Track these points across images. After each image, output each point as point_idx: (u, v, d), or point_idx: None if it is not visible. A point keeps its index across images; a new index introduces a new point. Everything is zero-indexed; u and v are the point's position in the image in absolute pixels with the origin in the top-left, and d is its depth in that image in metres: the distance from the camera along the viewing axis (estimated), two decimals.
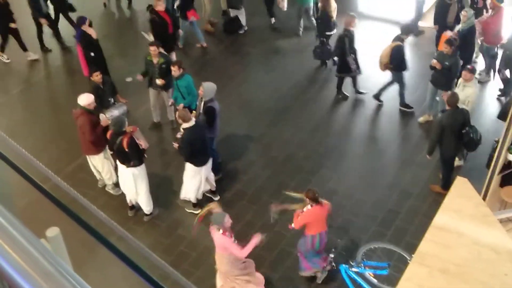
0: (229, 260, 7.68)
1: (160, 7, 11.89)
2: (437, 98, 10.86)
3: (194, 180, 9.31)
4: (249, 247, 7.51)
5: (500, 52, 11.79)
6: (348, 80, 12.04)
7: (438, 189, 9.60)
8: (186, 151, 9.02)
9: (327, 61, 13.07)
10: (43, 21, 13.32)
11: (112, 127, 8.90)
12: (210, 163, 9.35)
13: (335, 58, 12.41)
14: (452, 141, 9.20)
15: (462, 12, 11.30)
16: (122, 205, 9.66)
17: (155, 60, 10.64)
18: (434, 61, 10.46)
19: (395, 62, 10.96)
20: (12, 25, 12.95)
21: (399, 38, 11.11)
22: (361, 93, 12.04)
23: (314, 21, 13.68)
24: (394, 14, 14.16)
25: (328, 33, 12.76)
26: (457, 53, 10.47)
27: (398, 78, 11.38)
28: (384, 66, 11.20)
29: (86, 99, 9.25)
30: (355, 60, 11.66)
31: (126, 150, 8.72)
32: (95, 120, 9.33)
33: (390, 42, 11.25)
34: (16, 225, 1.31)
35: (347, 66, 11.57)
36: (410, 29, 11.54)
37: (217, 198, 9.68)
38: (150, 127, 11.37)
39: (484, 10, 12.22)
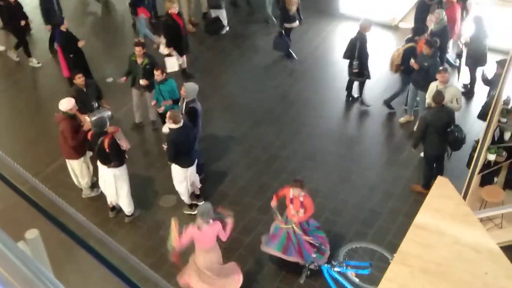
0: (215, 253, 7.86)
1: (173, 10, 11.75)
2: (417, 98, 10.93)
3: (185, 183, 9.29)
4: (228, 230, 7.81)
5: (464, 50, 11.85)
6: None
7: (419, 188, 9.66)
8: (171, 152, 9.02)
9: (291, 54, 13.21)
10: (48, 28, 13.00)
11: (93, 128, 8.82)
12: (195, 164, 9.30)
13: (291, 52, 12.87)
14: (436, 139, 9.25)
15: (435, 13, 11.38)
16: (103, 206, 9.58)
17: (139, 61, 10.57)
18: (412, 61, 10.52)
19: (406, 64, 10.84)
20: (23, 23, 12.90)
21: (411, 40, 11.07)
22: (365, 105, 11.85)
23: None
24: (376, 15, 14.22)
25: (287, 25, 12.93)
26: (437, 54, 10.53)
27: (404, 81, 11.27)
28: (395, 68, 11.15)
29: (66, 104, 9.16)
30: (365, 65, 11.48)
31: (107, 150, 8.66)
32: (76, 125, 9.26)
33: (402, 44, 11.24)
34: None
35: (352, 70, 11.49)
36: (424, 31, 11.40)
37: (201, 202, 9.55)
38: (132, 127, 11.30)
39: (464, 12, 12.31)
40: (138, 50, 10.50)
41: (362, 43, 11.27)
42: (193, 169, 9.27)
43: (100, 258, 1.62)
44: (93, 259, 1.64)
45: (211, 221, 7.61)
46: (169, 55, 12.00)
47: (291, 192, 8.05)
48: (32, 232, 1.78)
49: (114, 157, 8.80)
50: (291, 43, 13.29)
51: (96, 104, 10.19)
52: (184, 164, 9.13)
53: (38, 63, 13.38)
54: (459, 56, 12.10)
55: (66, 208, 1.72)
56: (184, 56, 12.38)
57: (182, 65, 12.38)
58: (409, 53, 10.87)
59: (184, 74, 12.43)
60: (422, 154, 10.16)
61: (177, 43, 11.94)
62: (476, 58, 11.49)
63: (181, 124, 8.79)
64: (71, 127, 9.16)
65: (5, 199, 5.77)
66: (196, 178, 9.51)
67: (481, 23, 11.35)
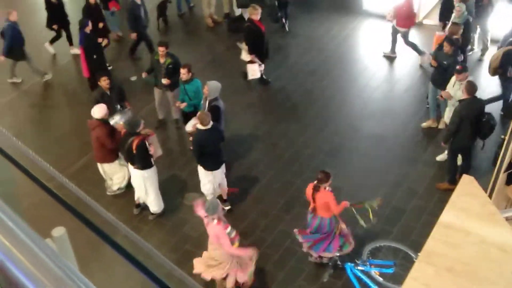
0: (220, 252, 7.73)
1: (256, 16, 11.66)
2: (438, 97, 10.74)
3: (208, 185, 9.22)
4: (238, 250, 7.59)
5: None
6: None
7: (445, 186, 9.54)
8: (196, 153, 9.04)
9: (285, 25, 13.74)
10: (133, 35, 13.01)
11: (126, 126, 8.92)
12: (222, 169, 9.23)
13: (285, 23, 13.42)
14: (469, 131, 9.11)
15: (456, 7, 11.25)
16: (127, 203, 9.67)
17: (162, 60, 10.64)
18: (430, 57, 10.40)
19: (504, 67, 10.62)
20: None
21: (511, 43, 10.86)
22: None
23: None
24: None
25: None
26: (457, 53, 10.36)
27: (504, 85, 11.04)
28: (493, 71, 10.91)
29: (100, 112, 9.29)
30: None
31: (134, 152, 8.73)
32: (111, 128, 9.38)
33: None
34: (22, 225, 1.30)
35: None
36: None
37: (227, 207, 9.50)
38: (157, 125, 11.37)
39: (489, 8, 12.14)
40: (161, 49, 10.56)
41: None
42: (219, 172, 9.16)
43: (126, 255, 1.63)
44: (118, 256, 1.65)
45: (215, 220, 7.45)
46: (251, 62, 11.89)
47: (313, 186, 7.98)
48: (59, 229, 1.79)
49: (139, 159, 8.88)
50: (287, 17, 13.99)
51: (119, 106, 10.27)
52: (209, 167, 9.07)
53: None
54: (405, 37, 12.56)
55: (92, 204, 1.74)
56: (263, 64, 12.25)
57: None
58: (507, 56, 10.58)
59: (261, 81, 12.37)
60: (439, 157, 10.10)
61: (259, 50, 11.82)
62: None
63: (209, 126, 8.75)
64: (107, 131, 9.31)
65: (31, 195, 5.86)
66: (224, 182, 9.41)
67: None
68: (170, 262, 1.70)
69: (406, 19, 12.38)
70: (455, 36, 10.52)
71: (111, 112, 9.80)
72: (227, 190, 9.51)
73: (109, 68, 12.74)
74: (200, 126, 8.79)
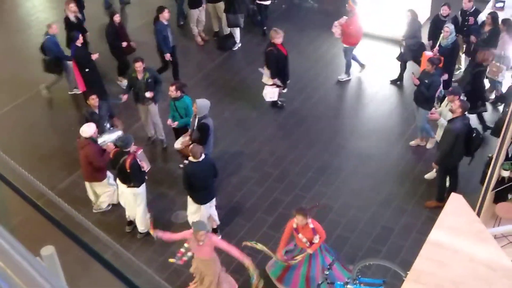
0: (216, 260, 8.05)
1: (278, 39, 11.49)
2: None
3: (196, 216, 9.10)
4: (232, 249, 7.92)
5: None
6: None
7: (434, 204, 9.57)
8: (185, 184, 8.96)
9: (265, 32, 13.96)
10: (167, 56, 12.59)
11: (119, 143, 8.89)
12: (212, 203, 9.12)
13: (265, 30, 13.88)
14: (461, 149, 9.18)
15: (444, 28, 11.36)
16: (115, 221, 9.62)
17: (140, 76, 10.63)
18: (412, 75, 10.55)
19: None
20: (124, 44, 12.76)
21: None
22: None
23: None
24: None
25: (258, 1, 14.00)
26: (438, 72, 10.47)
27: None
28: None
29: (89, 130, 9.29)
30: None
31: (128, 171, 8.71)
32: (100, 147, 9.35)
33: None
34: (14, 243, 1.29)
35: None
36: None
37: (219, 236, 9.41)
38: (146, 143, 11.33)
39: (474, 27, 12.25)
40: (138, 65, 10.57)
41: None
42: (206, 207, 9.01)
43: (115, 272, 1.62)
44: (108, 273, 1.64)
45: (209, 234, 7.82)
46: (273, 85, 11.80)
47: (295, 222, 7.94)
48: (47, 249, 1.77)
49: (135, 177, 8.87)
50: (267, 20, 14.44)
51: (108, 125, 10.24)
52: (195, 199, 8.97)
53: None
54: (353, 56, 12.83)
55: (82, 222, 1.73)
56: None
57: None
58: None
59: (274, 104, 12.31)
60: (427, 176, 10.23)
61: (282, 74, 11.73)
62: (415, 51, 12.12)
63: (200, 159, 8.64)
64: (96, 150, 9.30)
65: (20, 213, 5.81)
66: (214, 214, 9.29)
67: (415, 20, 12.00)
68: (160, 280, 1.69)
69: (351, 37, 12.48)
70: (485, 63, 10.63)
71: (100, 131, 9.77)
72: (218, 223, 9.45)
73: (119, 82, 12.75)
74: (191, 159, 8.70)
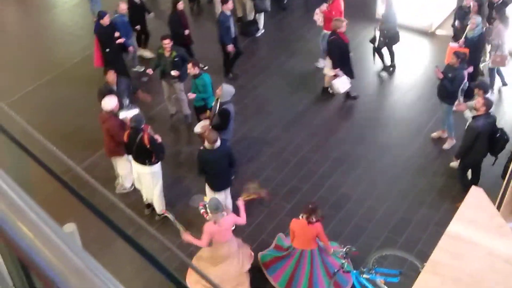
0: (233, 242, 8.07)
1: (342, 28, 11.24)
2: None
3: (209, 195, 9.15)
4: (242, 213, 8.03)
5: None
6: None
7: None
8: (198, 169, 8.98)
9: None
10: (230, 47, 12.38)
11: (133, 123, 8.89)
12: (225, 192, 9.05)
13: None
14: (483, 147, 9.08)
15: (471, 20, 11.23)
16: (134, 203, 9.67)
17: (167, 54, 10.69)
18: (436, 68, 10.33)
19: None
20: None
21: None
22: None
23: None
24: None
25: None
26: (463, 66, 10.29)
27: None
28: None
29: (110, 103, 9.25)
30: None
31: (148, 146, 8.73)
32: (122, 121, 9.38)
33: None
34: (44, 217, 1.31)
35: None
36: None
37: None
38: (167, 124, 11.45)
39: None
40: (166, 42, 10.61)
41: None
42: (222, 195, 8.96)
43: (137, 247, 1.64)
44: (125, 254, 1.67)
45: (224, 213, 7.76)
46: (335, 76, 11.57)
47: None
48: (69, 226, 1.80)
49: (157, 149, 8.87)
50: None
51: (128, 101, 10.28)
52: (210, 186, 8.96)
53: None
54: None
55: (107, 195, 1.75)
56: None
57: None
58: None
59: (348, 97, 12.12)
60: (452, 164, 10.09)
61: (345, 64, 11.53)
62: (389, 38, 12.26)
63: (214, 146, 8.52)
64: (117, 124, 9.29)
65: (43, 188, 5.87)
66: (230, 204, 9.23)
67: (391, 3, 12.11)
68: (182, 253, 1.71)
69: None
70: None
71: (119, 106, 9.78)
72: (231, 210, 9.35)
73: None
74: (206, 145, 8.61)
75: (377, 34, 12.45)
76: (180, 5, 12.28)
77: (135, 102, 10.62)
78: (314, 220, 7.73)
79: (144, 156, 8.94)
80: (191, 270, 7.85)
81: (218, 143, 8.54)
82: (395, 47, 12.65)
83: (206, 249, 8.07)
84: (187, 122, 11.42)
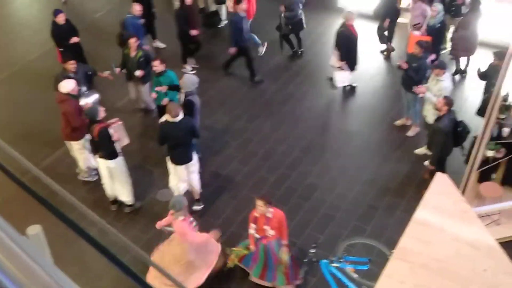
0: (191, 248, 7.67)
1: (351, 21, 11.17)
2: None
3: (172, 177, 9.14)
4: (203, 236, 7.63)
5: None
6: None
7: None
8: (159, 143, 8.88)
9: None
10: (232, 50, 12.20)
11: (86, 116, 8.74)
12: (190, 166, 8.95)
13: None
14: (451, 143, 9.18)
15: (432, 7, 11.36)
16: (101, 199, 9.54)
17: (133, 54, 10.54)
18: (401, 60, 10.38)
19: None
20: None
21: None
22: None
23: None
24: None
25: None
26: (427, 55, 10.39)
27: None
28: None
29: (69, 86, 9.12)
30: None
31: (96, 139, 8.59)
32: (79, 105, 9.21)
33: None
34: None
35: None
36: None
37: (200, 207, 9.48)
38: (135, 120, 11.35)
39: (463, 7, 12.27)
40: (132, 41, 10.45)
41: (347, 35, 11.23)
42: (182, 168, 8.88)
43: (101, 248, 1.59)
44: (92, 251, 1.61)
45: (181, 217, 7.43)
46: (340, 68, 11.52)
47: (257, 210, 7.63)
48: (34, 227, 1.74)
49: (102, 147, 8.69)
50: None
51: (85, 88, 10.09)
52: (172, 159, 8.87)
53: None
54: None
55: (68, 197, 1.69)
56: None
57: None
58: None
59: (350, 88, 12.09)
60: (417, 151, 10.22)
61: (351, 57, 11.47)
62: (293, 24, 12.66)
63: (176, 119, 8.52)
64: (74, 107, 9.14)
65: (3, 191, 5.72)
66: (195, 181, 9.20)
67: None
68: (146, 255, 1.67)
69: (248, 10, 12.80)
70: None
71: (78, 94, 9.60)
72: (199, 191, 9.37)
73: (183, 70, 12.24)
74: (168, 118, 8.55)
75: (283, 21, 12.74)
76: (188, 1, 11.88)
77: (94, 88, 10.43)
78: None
79: (95, 147, 8.84)
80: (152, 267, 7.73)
81: (181, 116, 8.49)
82: (302, 34, 13.02)
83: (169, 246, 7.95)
84: (153, 116, 11.31)
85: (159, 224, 7.99)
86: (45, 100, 11.27)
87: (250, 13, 13.17)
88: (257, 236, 7.72)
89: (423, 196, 4.74)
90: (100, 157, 8.85)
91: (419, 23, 11.79)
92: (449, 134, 9.02)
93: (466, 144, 9.51)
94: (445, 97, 9.07)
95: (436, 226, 4.75)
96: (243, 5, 11.92)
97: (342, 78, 11.62)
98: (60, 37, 11.42)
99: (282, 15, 12.62)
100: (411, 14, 12.11)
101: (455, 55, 12.12)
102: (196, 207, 9.41)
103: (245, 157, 10.57)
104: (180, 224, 7.45)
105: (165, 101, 10.00)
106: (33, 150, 10.53)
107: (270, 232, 7.55)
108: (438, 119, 9.11)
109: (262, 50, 13.05)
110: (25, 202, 4.49)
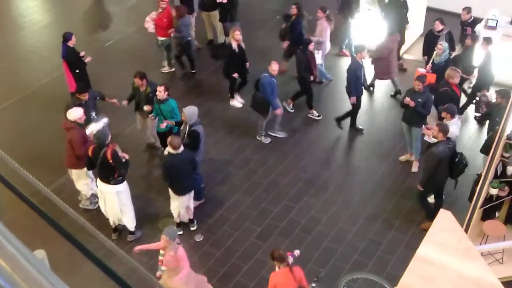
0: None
1: (456, 79, 10.47)
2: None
3: (173, 203, 9.42)
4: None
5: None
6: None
7: (428, 225, 9.42)
8: (164, 176, 9.20)
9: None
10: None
11: (96, 140, 8.79)
12: (189, 195, 9.33)
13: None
14: (446, 171, 9.18)
15: (438, 45, 11.42)
16: (102, 226, 9.51)
17: (142, 89, 10.64)
18: (407, 99, 10.26)
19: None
20: None
21: None
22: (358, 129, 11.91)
23: None
24: None
25: None
26: (427, 88, 10.41)
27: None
28: None
29: (76, 114, 9.27)
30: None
31: (110, 161, 8.62)
32: (85, 134, 9.30)
33: None
34: (13, 240, 1.27)
35: None
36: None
37: (194, 227, 9.70)
38: (145, 149, 11.43)
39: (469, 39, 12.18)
40: (136, 81, 10.57)
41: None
42: (185, 198, 9.29)
43: (106, 270, 1.61)
44: (98, 273, 1.63)
45: (176, 245, 7.68)
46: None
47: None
48: (39, 252, 1.76)
49: (119, 166, 8.74)
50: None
51: (94, 114, 10.20)
52: (173, 190, 9.22)
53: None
54: (168, 48, 13.51)
55: (76, 217, 1.71)
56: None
57: None
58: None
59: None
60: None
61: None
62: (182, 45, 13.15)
63: (179, 151, 8.80)
64: (80, 135, 9.24)
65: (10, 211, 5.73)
66: (191, 205, 9.51)
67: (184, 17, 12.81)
68: (152, 276, 1.68)
69: (165, 30, 13.22)
70: (451, 80, 10.44)
71: (87, 120, 9.70)
72: (192, 210, 9.62)
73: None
74: (170, 150, 8.82)
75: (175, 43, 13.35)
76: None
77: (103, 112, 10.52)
78: (291, 262, 7.24)
79: (107, 172, 8.82)
80: None
81: (182, 148, 8.81)
82: (195, 55, 13.72)
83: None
84: (154, 147, 11.36)
85: (142, 248, 8.23)
86: (53, 126, 11.35)
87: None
88: None
89: (425, 231, 4.72)
90: (114, 182, 8.86)
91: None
92: (444, 161, 9.02)
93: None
94: (438, 124, 9.13)
95: (439, 263, 4.73)
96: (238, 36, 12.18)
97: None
98: (76, 58, 11.61)
99: (173, 35, 13.28)
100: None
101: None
102: (197, 239, 9.52)
103: (249, 188, 10.57)
104: (182, 251, 7.67)
105: (163, 125, 10.15)
106: (38, 175, 10.39)
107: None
108: (435, 144, 9.16)
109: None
110: (28, 226, 4.51)
